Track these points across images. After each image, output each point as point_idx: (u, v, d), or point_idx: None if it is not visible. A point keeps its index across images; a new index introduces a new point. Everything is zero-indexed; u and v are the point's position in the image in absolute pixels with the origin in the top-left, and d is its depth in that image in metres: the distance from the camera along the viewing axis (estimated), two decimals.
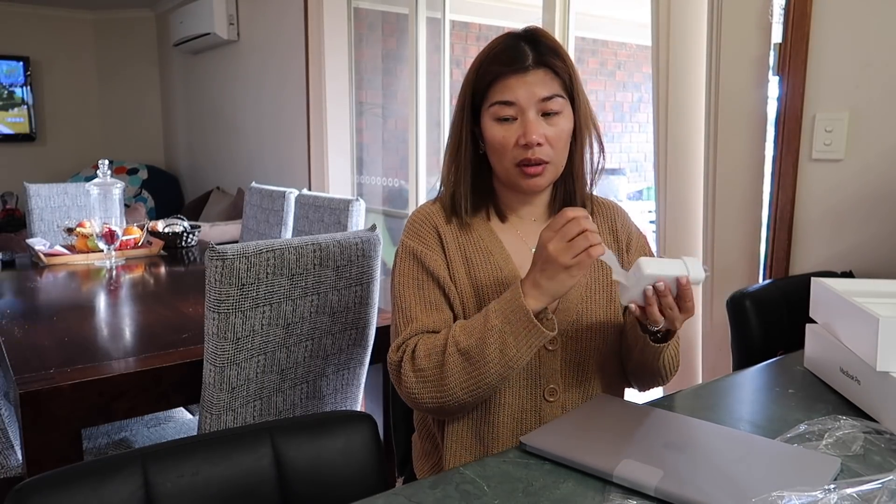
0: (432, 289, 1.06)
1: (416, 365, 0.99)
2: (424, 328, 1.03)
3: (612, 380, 1.12)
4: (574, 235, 0.90)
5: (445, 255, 1.08)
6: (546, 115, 1.02)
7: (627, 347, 1.09)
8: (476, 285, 1.07)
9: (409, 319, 1.04)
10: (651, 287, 0.91)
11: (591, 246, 0.90)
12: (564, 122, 1.04)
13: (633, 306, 0.94)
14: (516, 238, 1.12)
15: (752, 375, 1.14)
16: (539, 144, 1.01)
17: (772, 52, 1.67)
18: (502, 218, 1.13)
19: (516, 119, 1.02)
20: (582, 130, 1.08)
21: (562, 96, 1.03)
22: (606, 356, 1.10)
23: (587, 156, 1.11)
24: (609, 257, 0.93)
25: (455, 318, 1.07)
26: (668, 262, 0.93)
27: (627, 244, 1.16)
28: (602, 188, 1.19)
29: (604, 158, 1.12)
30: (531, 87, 1.01)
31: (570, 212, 0.91)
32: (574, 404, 1.09)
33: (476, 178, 1.10)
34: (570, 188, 1.12)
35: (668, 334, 1.02)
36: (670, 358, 1.05)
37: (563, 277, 0.92)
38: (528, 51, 1.01)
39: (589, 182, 1.13)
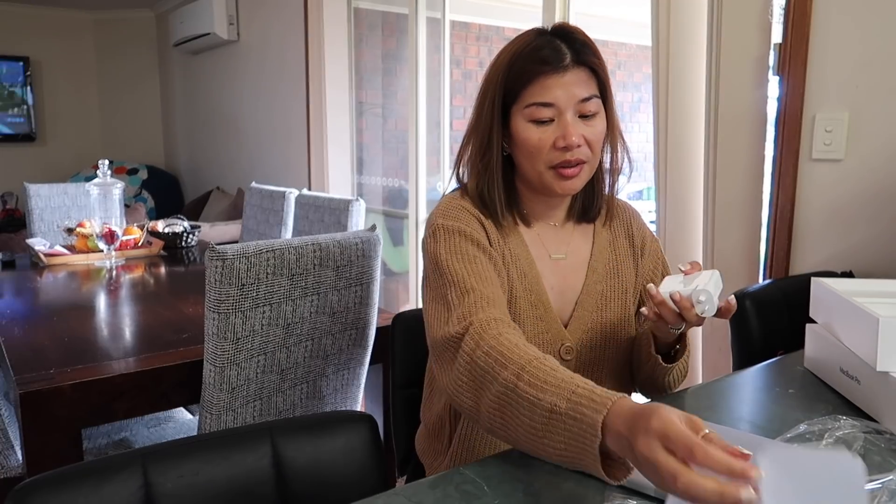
0: (484, 263, 0.96)
1: (476, 356, 0.81)
2: (486, 298, 0.90)
3: (624, 387, 1.12)
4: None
5: (489, 241, 1.02)
6: (583, 116, 0.99)
7: (639, 362, 1.09)
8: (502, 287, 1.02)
9: (467, 290, 0.90)
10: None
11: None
12: (600, 124, 1.01)
13: (648, 312, 0.93)
14: (539, 245, 1.09)
15: (752, 375, 1.14)
16: (578, 146, 0.98)
17: (772, 52, 1.66)
18: (527, 223, 1.09)
19: (552, 120, 0.98)
20: (613, 131, 1.05)
21: (598, 97, 1.00)
22: (620, 364, 1.10)
23: (611, 157, 1.07)
24: None
25: None
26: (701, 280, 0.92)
27: (642, 248, 1.15)
28: None
29: (629, 159, 1.08)
30: (570, 88, 0.96)
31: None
32: None
33: (505, 181, 1.05)
34: (589, 192, 1.10)
35: (679, 352, 1.03)
36: (678, 374, 1.05)
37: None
38: (564, 49, 0.97)
39: (614, 184, 1.11)
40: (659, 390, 1.08)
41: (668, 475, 0.58)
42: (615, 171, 1.09)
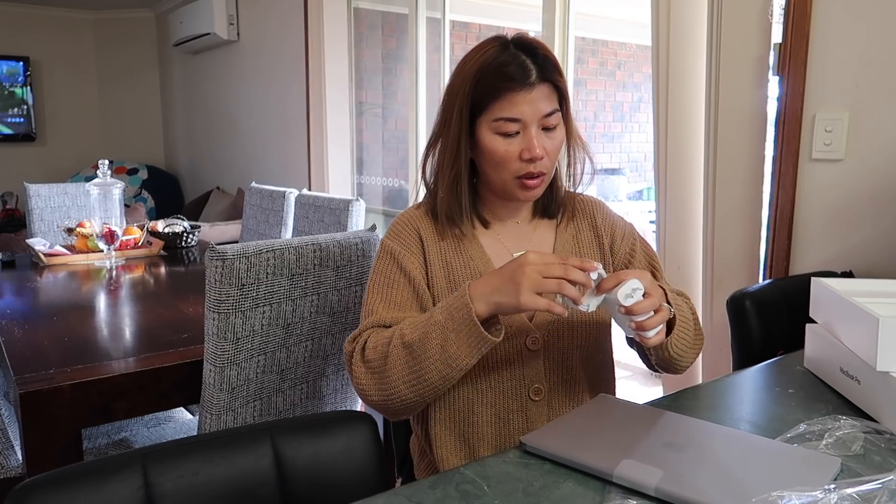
0: (402, 289, 1.06)
1: (365, 356, 0.99)
2: (381, 322, 1.03)
3: (598, 377, 1.12)
4: (553, 275, 0.88)
5: (425, 260, 1.09)
6: (545, 128, 1.04)
7: (640, 349, 1.09)
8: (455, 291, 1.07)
9: (369, 313, 1.05)
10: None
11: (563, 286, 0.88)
12: (560, 134, 1.07)
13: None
14: (497, 242, 1.13)
15: (752, 375, 1.14)
16: (541, 158, 1.03)
17: (772, 52, 1.67)
18: (484, 223, 1.14)
19: (518, 133, 1.03)
20: (571, 137, 1.11)
21: (559, 110, 1.05)
22: (591, 353, 1.11)
23: (572, 162, 1.14)
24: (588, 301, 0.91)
25: None
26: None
27: (612, 235, 1.17)
28: (602, 188, 1.20)
29: (591, 162, 1.14)
30: (536, 104, 1.02)
31: (574, 259, 0.90)
32: (560, 403, 1.09)
33: (469, 185, 1.11)
34: (548, 192, 1.15)
35: (668, 327, 1.00)
36: (679, 344, 1.02)
37: (514, 302, 0.89)
38: (530, 64, 1.01)
39: (576, 184, 1.16)
40: (671, 365, 1.06)
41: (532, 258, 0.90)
42: (574, 173, 1.15)
